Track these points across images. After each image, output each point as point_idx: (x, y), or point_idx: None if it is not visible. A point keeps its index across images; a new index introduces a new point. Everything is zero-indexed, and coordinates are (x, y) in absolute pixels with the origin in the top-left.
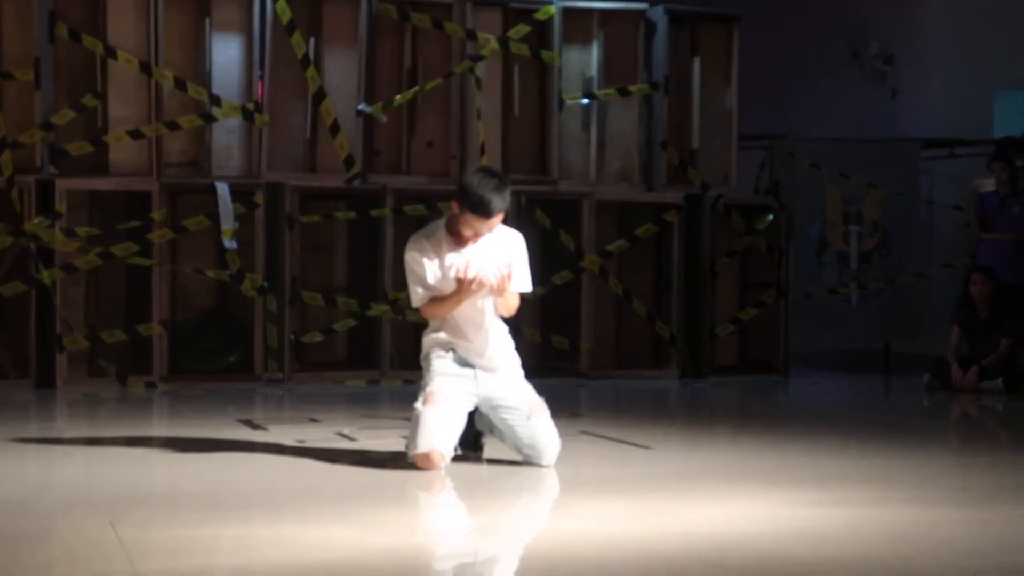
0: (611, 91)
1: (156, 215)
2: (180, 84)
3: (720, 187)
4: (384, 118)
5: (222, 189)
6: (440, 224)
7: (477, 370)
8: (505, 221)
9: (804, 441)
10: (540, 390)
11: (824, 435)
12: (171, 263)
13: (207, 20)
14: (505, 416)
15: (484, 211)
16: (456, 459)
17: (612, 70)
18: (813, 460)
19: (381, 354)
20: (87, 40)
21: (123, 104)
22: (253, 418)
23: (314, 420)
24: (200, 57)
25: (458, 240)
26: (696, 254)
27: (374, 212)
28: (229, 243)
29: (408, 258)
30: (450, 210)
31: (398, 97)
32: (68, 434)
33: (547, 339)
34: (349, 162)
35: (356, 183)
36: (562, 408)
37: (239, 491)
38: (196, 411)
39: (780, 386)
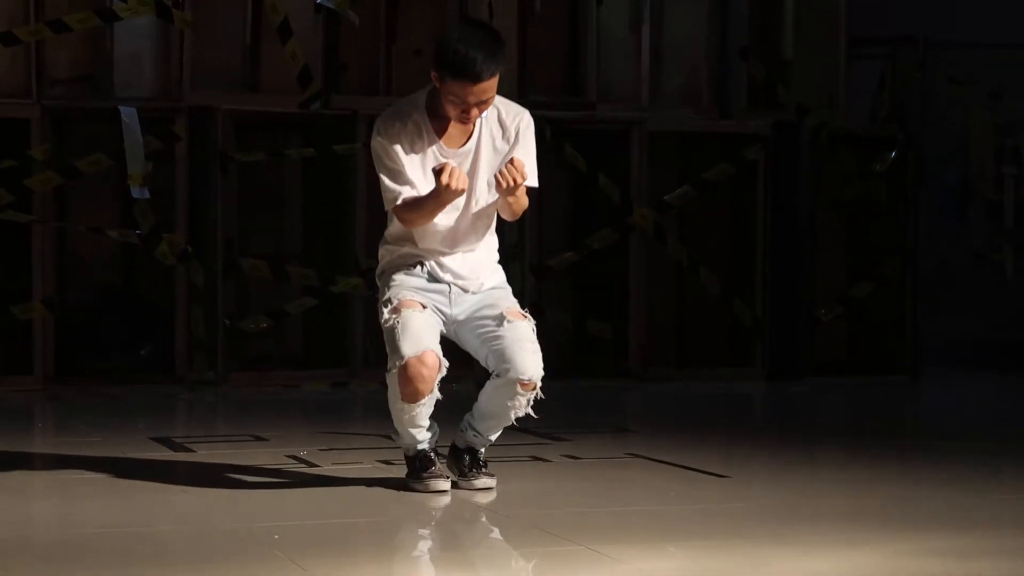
0: None
1: (36, 152)
2: None
3: (823, 112)
4: (354, 17)
5: (128, 116)
6: (416, 100)
7: (452, 287)
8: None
9: (939, 468)
10: (572, 397)
11: (966, 460)
12: (57, 220)
13: None
14: (476, 326)
15: (469, 73)
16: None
17: None
18: (950, 495)
19: (350, 347)
20: None
21: None
22: (173, 435)
23: (259, 439)
24: None
25: (442, 124)
26: (789, 206)
27: (340, 148)
28: (138, 191)
29: (375, 145)
30: (430, 85)
31: None
32: None
33: (581, 326)
34: (305, 78)
35: (315, 107)
36: (603, 422)
37: (153, 537)
38: (93, 425)
39: (906, 391)
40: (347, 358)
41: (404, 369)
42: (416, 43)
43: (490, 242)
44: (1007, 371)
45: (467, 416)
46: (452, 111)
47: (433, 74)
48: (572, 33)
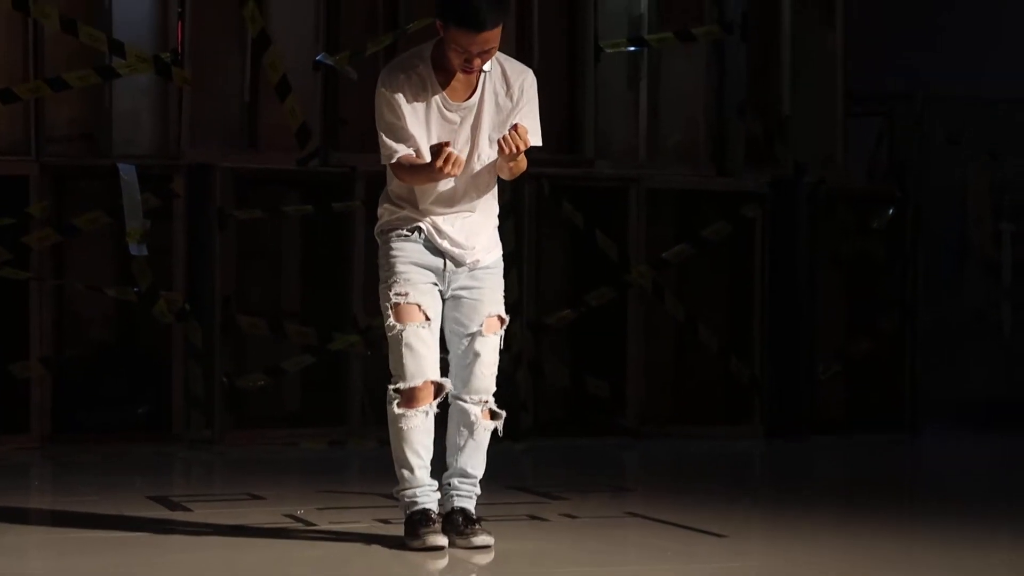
0: (667, 35)
1: (35, 209)
2: (68, 25)
3: (821, 169)
4: (353, 73)
5: (127, 173)
6: (423, 52)
7: (447, 261)
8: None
9: (937, 528)
10: (569, 454)
11: (965, 519)
12: (55, 277)
13: None
14: (454, 327)
15: (472, 22)
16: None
17: (669, 6)
18: (949, 551)
19: (348, 404)
20: None
21: None
22: (170, 494)
23: (255, 497)
24: None
25: (446, 76)
26: (788, 263)
27: (338, 205)
28: (136, 248)
29: (378, 97)
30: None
31: (371, 43)
32: None
33: (579, 382)
34: (304, 135)
35: (313, 164)
36: (601, 480)
37: None
38: (91, 484)
39: (906, 448)
40: (345, 416)
41: (407, 392)
42: None
43: (490, 204)
44: (1006, 429)
45: (444, 474)
46: (455, 60)
47: (438, 23)
48: (570, 89)
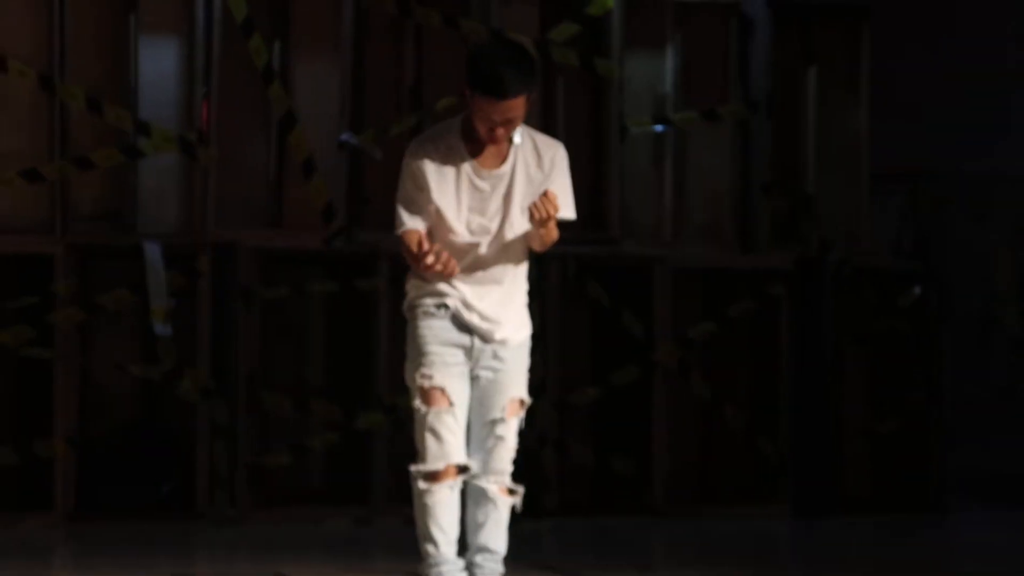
0: (692, 114)
1: (60, 288)
2: (94, 105)
3: (846, 247)
4: (378, 153)
5: (152, 252)
6: (452, 124)
7: (475, 338)
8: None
9: None
10: (594, 533)
11: None
12: (80, 356)
13: (131, 17)
14: (478, 406)
15: (495, 89)
16: None
17: (693, 85)
18: None
19: (372, 483)
20: None
21: (13, 134)
22: (195, 572)
23: None
24: (122, 68)
25: (476, 146)
26: (813, 342)
27: (363, 283)
28: (161, 328)
29: (404, 168)
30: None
31: (396, 124)
32: None
33: (604, 461)
34: (328, 213)
35: (338, 242)
36: (626, 559)
37: None
38: (114, 563)
39: (935, 529)
40: (370, 494)
41: (429, 473)
42: None
43: (520, 278)
44: None
45: (467, 553)
46: (481, 128)
47: (465, 91)
48: (595, 168)
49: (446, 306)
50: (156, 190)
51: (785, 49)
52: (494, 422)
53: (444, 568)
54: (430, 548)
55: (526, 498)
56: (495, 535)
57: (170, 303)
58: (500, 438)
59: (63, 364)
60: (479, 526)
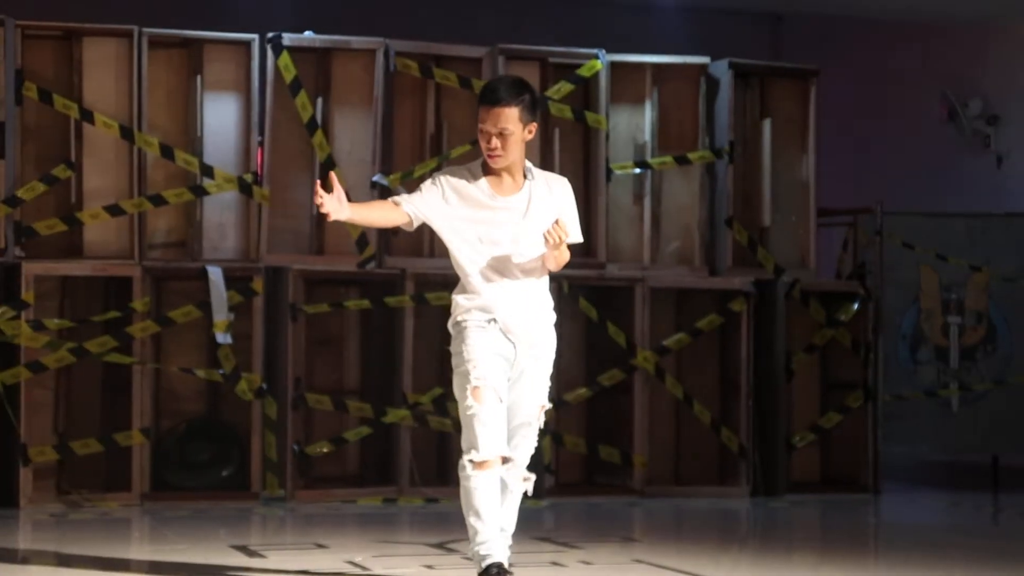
0: (667, 159)
1: (138, 305)
2: (167, 152)
3: (796, 271)
4: (403, 191)
5: (215, 274)
6: (477, 163)
7: (517, 350)
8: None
9: (899, 573)
10: (585, 510)
11: (923, 566)
12: (154, 361)
13: (198, 78)
14: (514, 405)
15: (489, 96)
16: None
17: (668, 135)
18: None
19: (399, 468)
20: (59, 102)
21: (100, 175)
22: (249, 543)
23: (321, 546)
24: (190, 121)
25: (494, 180)
26: (769, 350)
27: (391, 301)
28: (222, 337)
29: (432, 178)
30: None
31: (419, 167)
32: (31, 563)
33: (594, 450)
34: (362, 243)
35: (370, 267)
36: (612, 532)
37: None
38: (182, 535)
39: (869, 506)
40: (396, 478)
41: (476, 463)
42: None
43: (546, 293)
44: (955, 489)
45: None
46: (483, 144)
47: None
48: (586, 204)
49: (495, 320)
50: (218, 223)
51: (745, 105)
52: (522, 424)
53: (491, 542)
54: (476, 523)
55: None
56: (508, 517)
57: (230, 317)
58: (525, 437)
59: (140, 368)
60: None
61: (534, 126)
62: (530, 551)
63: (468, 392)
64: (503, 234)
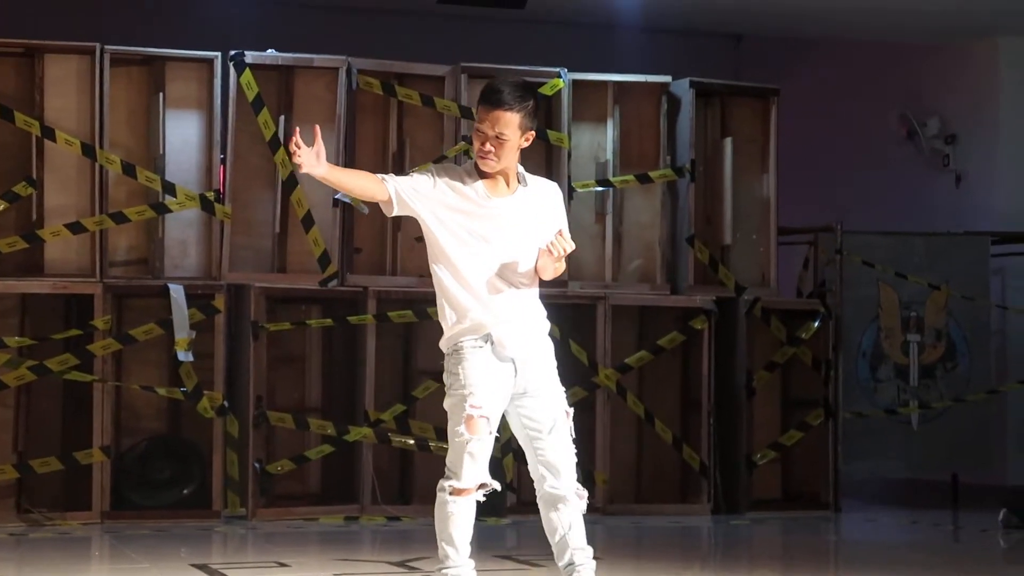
0: (629, 177)
1: (99, 322)
2: (128, 169)
3: (757, 289)
4: (365, 209)
5: (176, 292)
6: (469, 163)
7: (516, 362)
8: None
9: None
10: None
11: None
12: (115, 379)
13: (160, 95)
14: (524, 420)
15: (489, 97)
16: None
17: (630, 153)
18: None
19: (361, 486)
20: (21, 119)
21: (61, 193)
22: (210, 562)
23: (282, 565)
24: (152, 138)
25: (487, 180)
26: (729, 368)
27: (353, 319)
28: (184, 355)
29: (423, 170)
30: None
31: None
32: None
33: None
34: (324, 260)
35: (332, 285)
36: None
37: None
38: (143, 553)
39: (830, 523)
40: (358, 496)
41: (459, 490)
42: (418, 231)
43: (538, 304)
44: (915, 507)
45: (562, 559)
46: (476, 144)
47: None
48: None
49: (489, 337)
50: (180, 240)
51: (706, 124)
52: (547, 433)
53: (463, 569)
54: (449, 550)
55: (488, 498)
56: (581, 534)
57: (191, 335)
58: (557, 446)
59: (101, 386)
60: (568, 529)
61: (532, 134)
62: (492, 569)
63: (462, 419)
64: (494, 234)
